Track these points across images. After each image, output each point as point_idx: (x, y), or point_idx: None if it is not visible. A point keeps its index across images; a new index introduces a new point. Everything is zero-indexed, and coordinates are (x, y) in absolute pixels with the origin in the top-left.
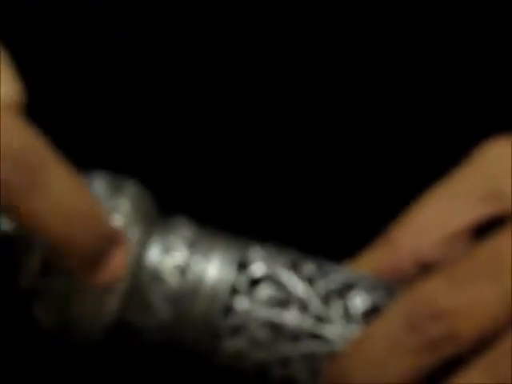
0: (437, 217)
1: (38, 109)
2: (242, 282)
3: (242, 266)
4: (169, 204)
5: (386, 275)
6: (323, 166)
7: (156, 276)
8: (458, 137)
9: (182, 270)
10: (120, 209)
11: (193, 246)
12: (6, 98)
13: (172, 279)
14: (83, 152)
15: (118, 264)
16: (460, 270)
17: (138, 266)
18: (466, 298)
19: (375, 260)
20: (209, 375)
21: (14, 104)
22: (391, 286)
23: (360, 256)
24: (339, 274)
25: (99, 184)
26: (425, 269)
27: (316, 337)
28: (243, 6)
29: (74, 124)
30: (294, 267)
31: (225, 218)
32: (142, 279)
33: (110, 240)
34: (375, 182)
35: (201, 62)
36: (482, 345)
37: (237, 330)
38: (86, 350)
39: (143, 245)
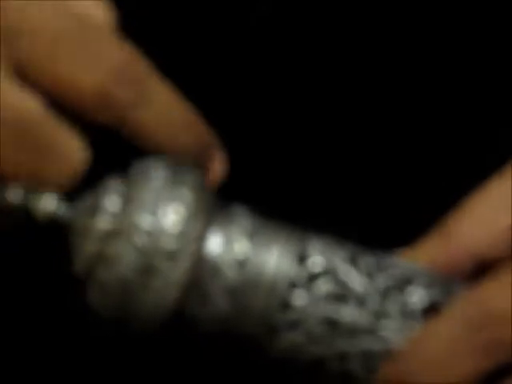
0: (491, 211)
1: None
2: (301, 276)
3: (301, 259)
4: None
5: (442, 269)
6: (376, 155)
7: (216, 268)
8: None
9: (242, 263)
10: (182, 198)
11: (252, 237)
12: (107, 19)
13: (231, 272)
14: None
15: (217, 169)
16: None
17: (199, 257)
18: None
19: (431, 252)
20: (260, 372)
21: (112, 26)
22: (449, 281)
23: (416, 246)
24: (397, 269)
25: (160, 172)
26: (481, 265)
27: (373, 333)
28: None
29: None
30: (353, 261)
31: (277, 206)
32: (201, 271)
33: (209, 145)
34: (427, 172)
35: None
36: None
37: (294, 325)
38: (141, 339)
39: (204, 235)
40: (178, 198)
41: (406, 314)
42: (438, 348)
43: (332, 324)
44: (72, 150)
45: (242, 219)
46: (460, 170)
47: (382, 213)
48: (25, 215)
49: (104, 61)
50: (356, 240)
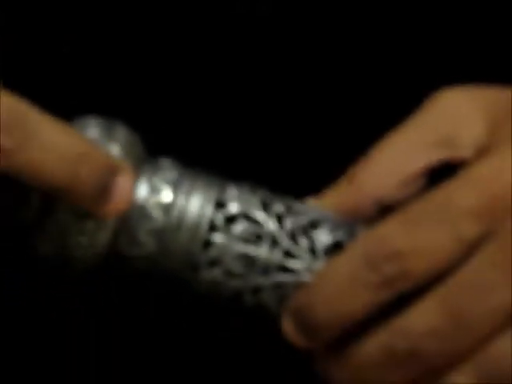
0: (395, 160)
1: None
2: (219, 219)
3: (220, 205)
4: (153, 145)
5: (348, 214)
6: (291, 108)
7: (143, 213)
8: (416, 84)
9: (166, 208)
10: (111, 152)
11: (176, 186)
12: None
13: (157, 216)
14: (72, 97)
15: (124, 191)
16: (414, 213)
17: (136, 181)
18: (419, 239)
19: (338, 199)
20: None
21: None
22: (353, 224)
23: (324, 194)
24: (306, 213)
25: (91, 128)
26: (384, 209)
27: (284, 269)
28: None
29: (61, 70)
30: (265, 206)
31: (204, 159)
32: (130, 216)
33: (111, 170)
34: (337, 124)
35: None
36: (436, 281)
37: (214, 263)
38: (81, 277)
39: (139, 166)
40: (108, 151)
41: (313, 252)
42: (338, 282)
43: (247, 261)
44: None
45: (167, 170)
46: (365, 120)
47: (293, 163)
48: None
49: None
50: (269, 189)
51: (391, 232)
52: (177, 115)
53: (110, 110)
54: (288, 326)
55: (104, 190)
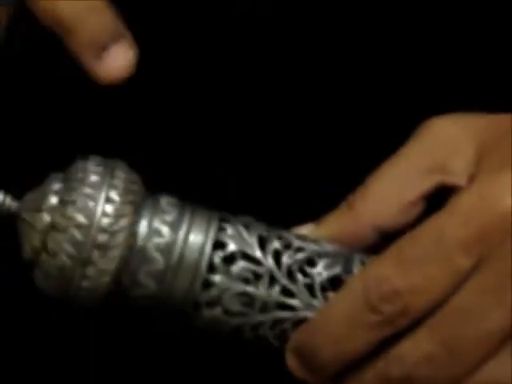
0: (391, 188)
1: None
2: (218, 259)
3: (218, 244)
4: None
5: (348, 241)
6: (289, 142)
7: (143, 256)
8: (408, 114)
9: (166, 250)
10: (118, 177)
11: (175, 227)
12: None
13: (157, 258)
14: (74, 140)
15: (122, 58)
16: (408, 251)
17: (128, 247)
18: (414, 277)
19: (337, 226)
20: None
21: None
22: (350, 256)
23: (323, 221)
24: (303, 248)
25: (93, 167)
26: (383, 236)
27: (283, 306)
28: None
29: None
30: (262, 243)
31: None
32: (130, 259)
33: (116, 33)
34: (335, 155)
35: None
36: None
37: (214, 302)
38: (84, 314)
39: (132, 227)
40: (111, 188)
41: (311, 288)
42: (339, 322)
43: (246, 300)
44: None
45: (166, 211)
46: (365, 147)
47: (289, 188)
48: None
49: None
50: (268, 216)
51: (387, 271)
52: (173, 128)
53: (103, 143)
54: (291, 362)
55: (98, 47)
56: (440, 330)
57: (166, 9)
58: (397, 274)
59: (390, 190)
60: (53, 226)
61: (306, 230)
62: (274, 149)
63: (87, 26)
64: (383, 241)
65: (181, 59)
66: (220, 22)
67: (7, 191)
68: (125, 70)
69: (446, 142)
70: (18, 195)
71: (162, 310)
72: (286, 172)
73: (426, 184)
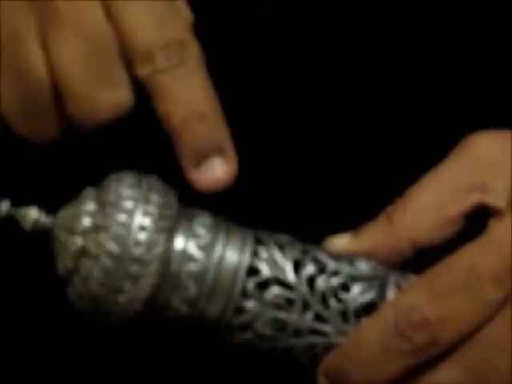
0: (431, 203)
1: None
2: (251, 285)
3: (252, 271)
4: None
5: (384, 254)
6: (320, 149)
7: (176, 283)
8: (451, 125)
9: (200, 277)
10: (152, 201)
11: (209, 251)
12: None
13: (190, 285)
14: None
15: (219, 171)
16: (440, 281)
17: (160, 275)
18: (445, 307)
19: (376, 238)
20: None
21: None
22: (385, 280)
23: (361, 232)
24: (337, 272)
25: (127, 190)
26: (420, 251)
27: (316, 332)
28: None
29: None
30: (297, 267)
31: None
32: (163, 286)
33: (219, 146)
34: (371, 166)
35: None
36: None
37: (245, 327)
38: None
39: (166, 252)
40: (149, 200)
41: (345, 314)
42: (370, 349)
43: (279, 325)
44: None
45: (201, 233)
46: (406, 159)
47: (332, 195)
48: (12, 223)
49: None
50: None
51: (418, 300)
52: None
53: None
54: None
55: (203, 157)
56: (469, 361)
57: None
58: (427, 303)
59: (429, 205)
60: (85, 251)
61: (342, 241)
62: (289, 151)
63: (193, 133)
64: (417, 258)
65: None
66: (220, 22)
67: (41, 205)
68: (221, 183)
69: (488, 161)
70: (52, 207)
71: (193, 330)
72: (308, 175)
73: (465, 202)
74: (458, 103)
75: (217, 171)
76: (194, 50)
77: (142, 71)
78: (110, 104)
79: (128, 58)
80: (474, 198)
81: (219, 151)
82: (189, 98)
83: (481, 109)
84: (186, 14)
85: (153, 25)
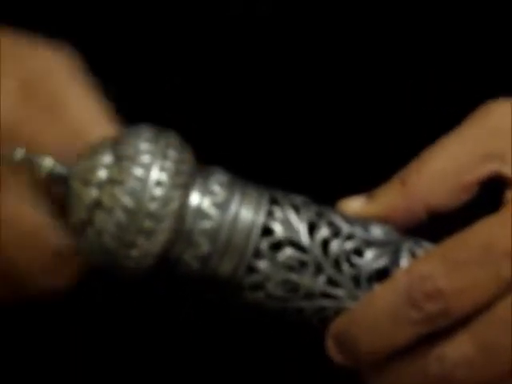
0: (447, 168)
1: None
2: (265, 245)
3: (265, 231)
4: None
5: (398, 218)
6: (337, 108)
7: (189, 240)
8: (469, 89)
9: (213, 235)
10: (169, 157)
11: (223, 209)
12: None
13: (203, 243)
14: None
15: (68, 275)
16: (456, 253)
17: (174, 230)
18: (460, 280)
19: (390, 201)
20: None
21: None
22: (399, 246)
23: (375, 195)
24: (351, 236)
25: (144, 144)
26: (433, 216)
27: (327, 295)
28: None
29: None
30: (311, 230)
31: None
32: (175, 242)
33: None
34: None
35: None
36: (472, 315)
37: (257, 287)
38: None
39: (181, 208)
40: (166, 156)
41: (357, 279)
42: (380, 315)
43: (290, 287)
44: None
45: (217, 191)
46: (420, 123)
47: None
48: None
49: None
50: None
51: (433, 270)
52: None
53: None
54: (331, 348)
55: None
56: (481, 335)
57: (165, 9)
58: (442, 274)
59: (445, 170)
60: (99, 203)
61: (356, 203)
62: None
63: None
64: (431, 223)
65: (180, 59)
66: (220, 22)
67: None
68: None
69: (506, 132)
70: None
71: (205, 286)
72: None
73: (481, 170)
74: (474, 69)
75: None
76: None
77: None
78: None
79: None
80: (491, 167)
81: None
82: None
83: (498, 75)
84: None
85: None
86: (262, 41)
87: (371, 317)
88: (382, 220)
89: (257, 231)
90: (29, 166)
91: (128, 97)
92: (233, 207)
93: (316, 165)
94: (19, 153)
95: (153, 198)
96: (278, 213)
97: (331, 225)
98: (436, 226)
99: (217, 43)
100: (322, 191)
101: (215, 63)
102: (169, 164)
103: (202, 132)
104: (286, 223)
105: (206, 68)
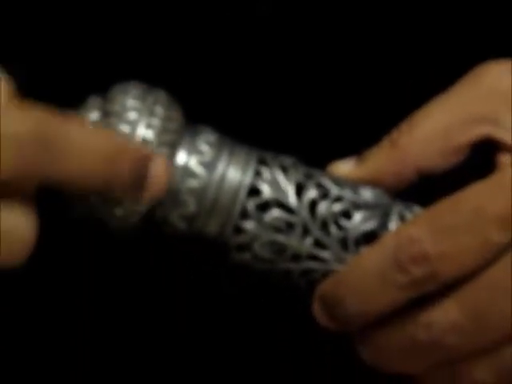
0: (438, 130)
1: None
2: (252, 206)
3: (253, 191)
4: None
5: (389, 180)
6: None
7: (175, 198)
8: (461, 50)
9: (199, 193)
10: (156, 114)
11: (211, 169)
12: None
13: (190, 201)
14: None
15: (158, 179)
16: (445, 217)
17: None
18: (448, 244)
19: (380, 163)
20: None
21: (11, 92)
22: (388, 209)
23: (365, 157)
24: (339, 198)
25: (131, 100)
26: (423, 177)
27: (314, 258)
28: None
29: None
30: (299, 191)
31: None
32: (162, 199)
33: (145, 161)
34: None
35: None
36: (461, 281)
37: (244, 247)
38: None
39: (175, 147)
40: (153, 113)
41: (344, 242)
42: (367, 278)
43: (277, 248)
44: (23, 230)
45: (204, 150)
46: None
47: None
48: None
49: (13, 137)
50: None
51: (420, 234)
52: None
53: None
54: (318, 311)
55: (140, 181)
56: (469, 301)
57: (166, 9)
58: (429, 238)
59: (436, 132)
60: None
61: (346, 166)
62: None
63: (119, 176)
64: (421, 186)
65: (181, 59)
66: (220, 22)
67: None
68: (163, 184)
69: (500, 93)
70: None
71: (192, 247)
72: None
73: (474, 133)
74: (468, 31)
75: (158, 176)
76: (47, 125)
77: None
78: None
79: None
80: (484, 130)
81: (147, 161)
82: (90, 157)
83: (492, 38)
84: None
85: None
86: (262, 41)
87: (358, 279)
88: (372, 183)
89: (244, 191)
90: None
91: (121, 58)
92: (220, 167)
93: (307, 126)
94: None
95: None
96: (265, 173)
97: (320, 186)
98: (427, 188)
99: (216, 42)
100: (312, 154)
101: (214, 63)
102: (156, 121)
103: (193, 91)
104: (274, 184)
105: (205, 67)
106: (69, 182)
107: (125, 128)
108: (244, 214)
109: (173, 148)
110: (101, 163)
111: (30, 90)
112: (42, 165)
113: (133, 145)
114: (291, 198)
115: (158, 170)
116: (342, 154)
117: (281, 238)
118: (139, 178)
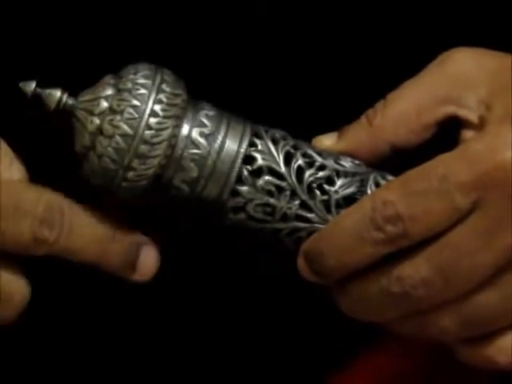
0: (411, 109)
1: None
2: (246, 172)
3: (248, 160)
4: None
5: (365, 155)
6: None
7: (179, 164)
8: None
9: (200, 160)
10: (163, 91)
11: (211, 140)
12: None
13: (192, 166)
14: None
15: (148, 264)
16: (415, 183)
17: (166, 156)
18: (417, 207)
19: (358, 139)
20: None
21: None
22: (366, 177)
23: (344, 133)
24: (324, 167)
25: (142, 79)
26: (397, 152)
27: (301, 218)
28: None
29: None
30: (288, 160)
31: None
32: (168, 165)
33: (137, 246)
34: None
35: None
36: (429, 240)
37: (239, 208)
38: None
39: (173, 137)
40: (160, 90)
41: (328, 205)
42: (345, 236)
43: (268, 210)
44: (16, 289)
45: (205, 123)
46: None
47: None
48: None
49: (27, 213)
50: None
51: (393, 197)
52: None
53: None
54: (302, 266)
55: (131, 263)
56: (436, 258)
57: (166, 9)
58: (401, 201)
59: (408, 111)
60: (101, 130)
61: (329, 140)
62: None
63: (111, 256)
64: (394, 158)
65: (181, 58)
66: (220, 22)
67: (64, 89)
68: (153, 269)
69: (463, 76)
70: (74, 92)
71: (194, 210)
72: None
73: (440, 112)
74: (439, 18)
75: (148, 262)
76: (57, 204)
77: (40, 252)
78: None
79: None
80: (449, 110)
81: (139, 246)
82: (88, 238)
83: (459, 26)
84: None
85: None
86: (262, 41)
87: (338, 235)
88: (351, 155)
89: (240, 159)
90: (39, 99)
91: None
92: (219, 138)
93: (295, 104)
94: (30, 85)
95: (148, 127)
96: (259, 144)
97: (306, 156)
98: (399, 161)
99: (216, 42)
100: (299, 128)
101: (214, 63)
102: (163, 97)
103: (195, 71)
104: (266, 153)
105: (205, 67)
106: (67, 255)
107: (136, 102)
108: (239, 179)
109: (178, 120)
110: (97, 243)
111: (49, 73)
112: (46, 240)
113: (127, 231)
114: (281, 166)
115: (148, 258)
116: (325, 129)
117: (272, 200)
118: (129, 261)
